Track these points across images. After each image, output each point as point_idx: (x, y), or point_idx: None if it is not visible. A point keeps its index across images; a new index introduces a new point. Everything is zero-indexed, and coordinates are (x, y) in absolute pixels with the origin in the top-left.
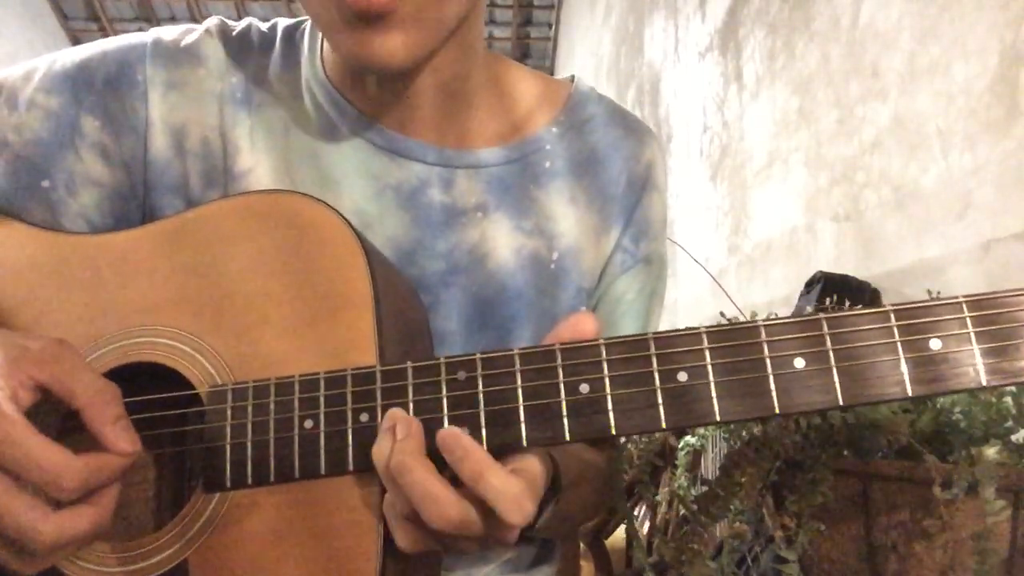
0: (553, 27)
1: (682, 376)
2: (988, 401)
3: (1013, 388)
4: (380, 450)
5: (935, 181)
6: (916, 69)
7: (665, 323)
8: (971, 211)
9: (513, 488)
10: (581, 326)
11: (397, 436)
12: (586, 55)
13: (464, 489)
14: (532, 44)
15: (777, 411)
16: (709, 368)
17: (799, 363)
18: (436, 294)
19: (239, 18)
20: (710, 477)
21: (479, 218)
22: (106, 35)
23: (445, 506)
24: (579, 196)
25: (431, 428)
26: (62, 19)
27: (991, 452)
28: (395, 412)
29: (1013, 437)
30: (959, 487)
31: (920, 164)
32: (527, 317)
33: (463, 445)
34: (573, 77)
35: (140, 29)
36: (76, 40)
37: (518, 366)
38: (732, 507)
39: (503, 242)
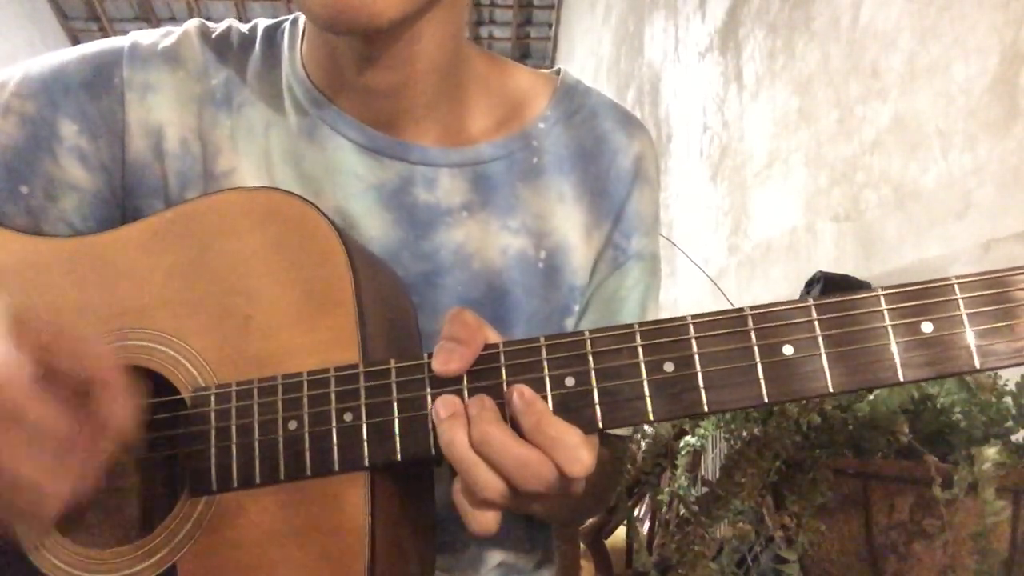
0: (553, 27)
1: (669, 366)
2: (988, 401)
3: (1013, 388)
4: (453, 438)
5: (935, 181)
6: (916, 69)
7: None
8: (971, 211)
9: (571, 438)
10: (463, 316)
11: (471, 412)
12: (586, 55)
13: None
14: (532, 44)
15: (767, 399)
16: (696, 358)
17: (788, 350)
18: (422, 295)
19: (239, 18)
20: (710, 477)
21: (464, 217)
22: (106, 35)
23: (540, 466)
24: (568, 192)
25: (416, 427)
26: (62, 19)
27: (991, 452)
28: (448, 396)
29: (1013, 437)
30: (959, 487)
31: (920, 164)
32: (516, 317)
33: (525, 398)
34: (559, 70)
35: (139, 29)
36: (76, 40)
37: (503, 361)
38: (732, 507)
39: (490, 242)
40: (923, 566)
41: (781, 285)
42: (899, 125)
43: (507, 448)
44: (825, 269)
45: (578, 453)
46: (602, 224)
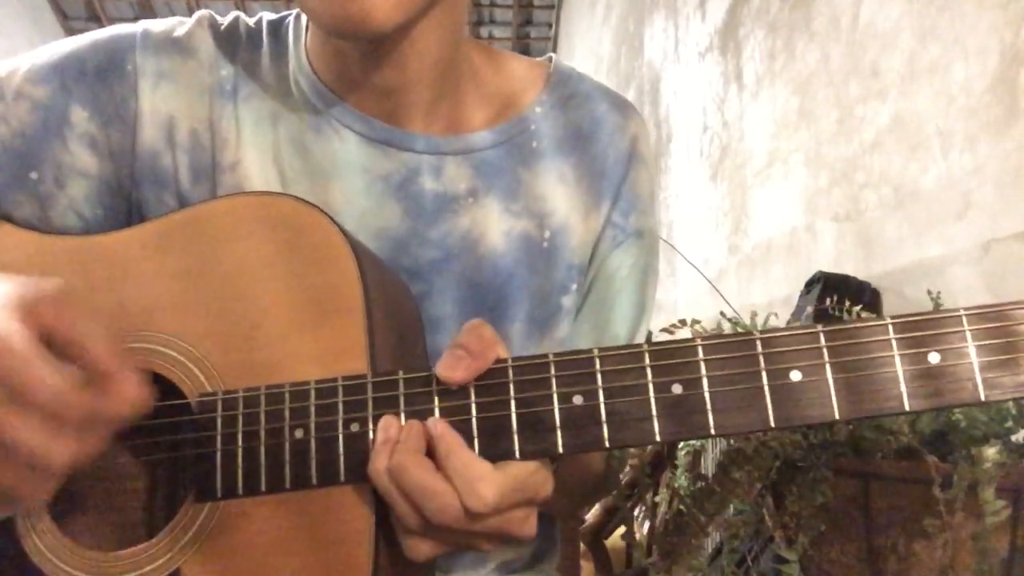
0: (553, 27)
1: (677, 388)
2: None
3: None
4: (377, 465)
5: (935, 181)
6: (916, 69)
7: (665, 324)
8: (971, 211)
9: (473, 471)
10: (480, 330)
11: (401, 438)
12: (586, 55)
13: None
14: (532, 44)
15: (773, 424)
16: (704, 380)
17: (795, 376)
18: (430, 282)
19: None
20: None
21: (470, 203)
22: None
23: (445, 497)
24: (567, 173)
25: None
26: (62, 18)
27: (991, 452)
28: (388, 419)
29: (1013, 437)
30: (959, 487)
31: (920, 164)
32: (521, 297)
33: (440, 428)
34: (551, 58)
35: None
36: None
37: (511, 376)
38: (730, 504)
39: (494, 226)
40: (923, 566)
41: (781, 285)
42: (899, 125)
43: (416, 477)
44: (825, 269)
45: (475, 486)
46: (601, 204)
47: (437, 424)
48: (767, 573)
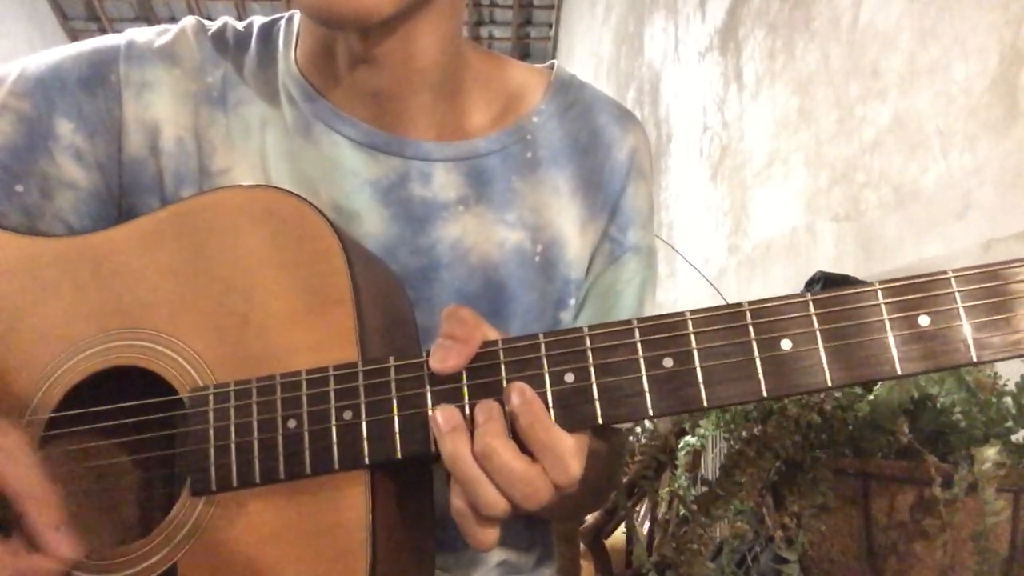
0: (553, 27)
1: (668, 362)
2: (988, 401)
3: (1013, 388)
4: (454, 450)
5: (935, 181)
6: (916, 69)
7: None
8: (971, 211)
9: (563, 445)
10: (460, 314)
11: (478, 420)
12: (586, 55)
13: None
14: (532, 44)
15: (765, 394)
16: (695, 353)
17: (786, 345)
18: (419, 290)
19: (239, 18)
20: (710, 477)
21: (460, 212)
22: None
23: (537, 482)
24: (563, 186)
25: (416, 425)
26: (62, 19)
27: (991, 452)
28: (447, 409)
29: (1013, 437)
30: (959, 487)
31: (920, 164)
32: (515, 311)
33: (526, 397)
34: (553, 64)
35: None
36: (76, 40)
37: (502, 358)
38: (732, 507)
39: (486, 236)
40: (923, 566)
41: (781, 285)
42: (899, 125)
43: (507, 464)
44: (825, 269)
45: (567, 462)
46: (598, 218)
47: (525, 391)
48: (767, 573)
